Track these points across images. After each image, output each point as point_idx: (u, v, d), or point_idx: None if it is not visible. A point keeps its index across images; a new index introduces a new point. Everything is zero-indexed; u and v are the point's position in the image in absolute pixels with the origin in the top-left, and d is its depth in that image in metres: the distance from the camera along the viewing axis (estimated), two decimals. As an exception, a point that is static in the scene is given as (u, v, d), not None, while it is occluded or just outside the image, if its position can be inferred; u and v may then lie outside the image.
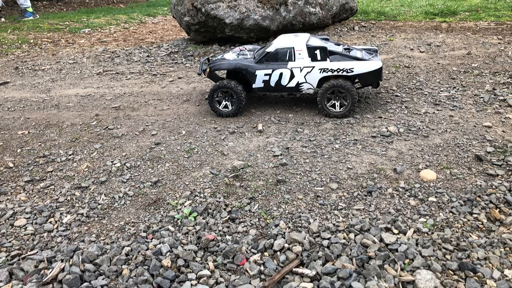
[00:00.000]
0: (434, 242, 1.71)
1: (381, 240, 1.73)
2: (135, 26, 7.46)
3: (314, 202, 2.03)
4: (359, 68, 2.90)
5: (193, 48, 4.99)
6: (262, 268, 1.59)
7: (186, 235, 1.80)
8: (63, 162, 2.56)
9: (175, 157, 2.54)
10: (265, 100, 3.36)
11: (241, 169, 2.34)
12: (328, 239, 1.74)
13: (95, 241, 1.79)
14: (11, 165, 2.55)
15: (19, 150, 2.74)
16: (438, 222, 1.85)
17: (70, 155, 2.64)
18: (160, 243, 1.73)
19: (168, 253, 1.66)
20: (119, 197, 2.15)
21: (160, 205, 2.06)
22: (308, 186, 2.16)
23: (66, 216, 1.99)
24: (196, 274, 1.55)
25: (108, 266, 1.60)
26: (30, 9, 7.99)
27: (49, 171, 2.46)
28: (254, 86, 3.01)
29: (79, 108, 3.42)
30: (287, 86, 2.97)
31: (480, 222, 1.84)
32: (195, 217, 1.92)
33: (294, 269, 1.57)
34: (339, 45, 3.22)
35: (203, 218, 1.91)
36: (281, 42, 3.05)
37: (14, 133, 3.00)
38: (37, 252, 1.74)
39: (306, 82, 2.96)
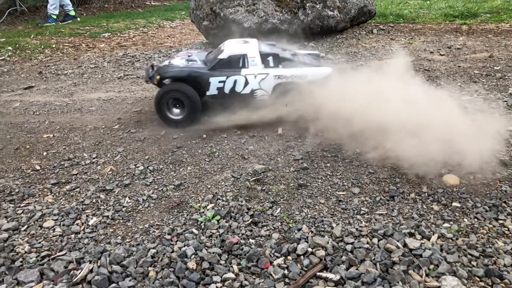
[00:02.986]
0: (459, 248, 1.70)
1: (405, 245, 1.72)
2: (154, 30, 7.56)
3: (336, 206, 2.03)
4: (312, 74, 2.93)
5: (212, 52, 5.04)
6: (286, 272, 1.60)
7: (210, 238, 1.83)
8: (87, 165, 2.61)
9: (196, 160, 2.58)
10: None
11: (262, 173, 2.35)
12: (352, 243, 1.74)
13: (121, 243, 1.83)
14: (38, 167, 2.62)
15: (44, 153, 2.81)
16: (463, 228, 1.84)
17: (94, 158, 2.69)
18: (184, 246, 1.76)
19: (193, 256, 1.69)
20: (143, 200, 2.19)
21: (183, 208, 2.09)
22: (330, 190, 2.16)
23: (92, 218, 2.04)
24: (221, 277, 1.57)
25: (135, 268, 1.64)
26: (55, 16, 8.18)
27: (74, 174, 2.52)
28: (208, 93, 2.95)
29: (102, 112, 3.49)
30: (242, 93, 2.94)
31: (506, 228, 1.82)
32: (218, 220, 1.94)
33: (318, 273, 1.58)
34: (285, 50, 3.24)
35: (226, 222, 1.93)
36: (233, 48, 3.02)
37: (39, 136, 3.08)
38: (65, 253, 1.78)
39: (261, 88, 2.94)
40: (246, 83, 2.93)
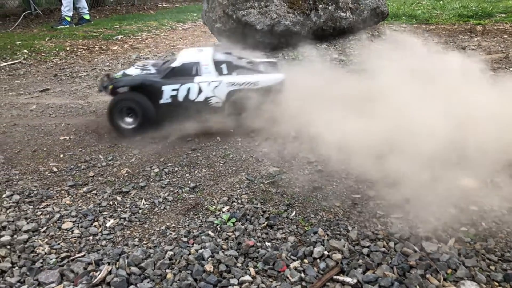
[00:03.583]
0: (477, 253, 1.68)
1: (422, 249, 1.71)
2: (166, 33, 7.63)
3: (351, 209, 2.03)
4: (264, 80, 2.97)
5: (224, 54, 5.06)
6: (302, 275, 1.60)
7: (226, 240, 1.84)
8: (103, 167, 2.65)
9: (211, 163, 2.60)
10: (295, 107, 3.38)
11: (276, 176, 2.36)
12: (368, 247, 1.74)
13: (138, 245, 1.85)
14: (55, 169, 2.66)
15: (61, 155, 2.85)
16: (481, 232, 1.82)
17: (109, 160, 2.73)
18: (201, 248, 1.78)
19: (210, 258, 1.70)
20: (159, 202, 2.21)
21: (199, 210, 2.11)
22: (345, 193, 2.16)
23: (109, 220, 2.07)
24: (238, 280, 1.58)
25: (153, 270, 1.66)
26: (68, 18, 8.29)
27: (90, 176, 2.55)
28: (161, 101, 2.97)
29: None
30: (196, 100, 2.96)
31: (525, 233, 1.80)
32: (233, 223, 1.96)
33: (334, 277, 1.58)
34: (242, 58, 3.28)
35: (241, 224, 1.94)
36: (186, 57, 3.07)
37: (56, 138, 3.13)
38: (84, 255, 1.81)
39: (215, 96, 2.97)
40: (200, 90, 2.97)
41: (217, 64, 3.02)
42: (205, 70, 2.99)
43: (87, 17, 8.43)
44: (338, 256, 1.69)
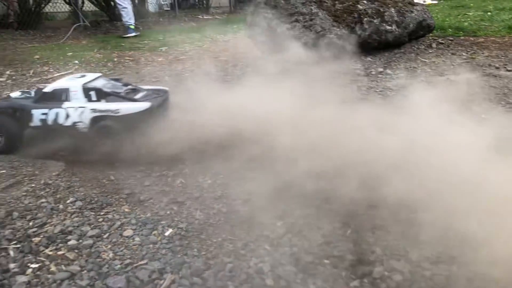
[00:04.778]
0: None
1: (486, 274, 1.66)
2: (208, 44, 7.80)
3: (409, 229, 2.00)
4: (125, 108, 3.04)
5: (267, 67, 5.13)
6: (364, 294, 1.60)
7: (283, 255, 1.86)
8: (158, 177, 2.74)
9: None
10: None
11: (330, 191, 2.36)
12: (429, 269, 1.71)
13: (198, 256, 1.90)
14: (112, 178, 2.78)
15: (117, 164, 2.97)
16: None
17: (163, 170, 2.82)
18: (260, 262, 1.81)
19: (269, 273, 1.73)
20: (213, 213, 2.27)
21: (253, 223, 2.14)
22: (403, 212, 2.14)
23: (167, 230, 2.14)
24: (300, 296, 1.60)
25: (214, 281, 1.70)
26: (132, 26, 8.60)
27: (146, 185, 2.65)
28: (31, 124, 3.12)
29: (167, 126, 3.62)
30: (64, 125, 3.09)
31: None
32: (290, 238, 1.98)
33: (397, 298, 1.57)
34: (127, 85, 3.41)
35: (298, 240, 1.96)
36: (58, 83, 3.27)
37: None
38: (147, 263, 1.88)
39: (81, 121, 3.08)
40: (67, 115, 3.10)
41: (87, 90, 3.15)
42: (74, 96, 3.14)
43: (132, 27, 8.76)
44: (398, 277, 1.67)
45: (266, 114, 3.09)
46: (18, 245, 2.05)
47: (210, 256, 1.89)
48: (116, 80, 3.57)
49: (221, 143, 2.95)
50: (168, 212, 2.31)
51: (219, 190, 2.50)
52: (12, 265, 1.89)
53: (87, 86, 3.20)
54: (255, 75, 4.85)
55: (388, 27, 4.98)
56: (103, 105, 3.11)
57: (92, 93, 3.15)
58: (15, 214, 2.35)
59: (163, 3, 14.76)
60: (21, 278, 1.80)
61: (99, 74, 3.53)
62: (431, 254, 1.79)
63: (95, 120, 3.11)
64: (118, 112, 3.06)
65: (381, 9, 5.09)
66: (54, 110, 3.13)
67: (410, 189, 2.09)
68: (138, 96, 3.28)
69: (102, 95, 3.16)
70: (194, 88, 4.65)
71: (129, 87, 3.45)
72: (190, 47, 7.54)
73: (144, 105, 3.11)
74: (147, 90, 3.47)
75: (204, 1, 13.84)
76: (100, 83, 3.30)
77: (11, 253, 1.99)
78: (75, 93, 3.15)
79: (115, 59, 6.76)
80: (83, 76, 3.41)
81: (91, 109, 3.10)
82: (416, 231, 1.91)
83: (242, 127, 2.97)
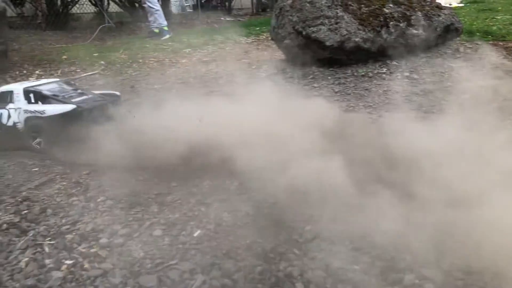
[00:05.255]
0: None
1: (521, 285, 1.63)
2: (231, 47, 7.85)
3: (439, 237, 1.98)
4: (50, 110, 3.25)
5: (292, 70, 5.13)
6: (395, 302, 1.59)
7: (312, 260, 1.86)
8: (185, 178, 2.77)
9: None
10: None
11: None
12: (462, 279, 1.69)
13: (227, 257, 1.92)
14: (140, 178, 2.83)
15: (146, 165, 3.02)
16: None
17: (190, 171, 2.85)
18: (289, 266, 1.81)
19: (299, 277, 1.73)
20: (241, 215, 2.28)
21: (281, 226, 2.15)
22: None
23: (196, 231, 2.17)
24: (330, 301, 1.60)
25: (244, 284, 1.72)
26: (166, 28, 8.74)
27: (173, 186, 2.69)
28: None
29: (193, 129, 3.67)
30: (7, 124, 3.38)
31: None
32: (318, 243, 1.98)
33: (429, 307, 1.55)
34: (77, 90, 3.68)
35: (326, 244, 1.96)
36: (6, 86, 3.63)
37: (139, 148, 3.32)
38: (177, 263, 1.91)
39: (19, 122, 3.34)
40: (9, 116, 3.40)
41: (27, 93, 3.42)
42: (16, 98, 3.42)
43: (156, 30, 8.87)
44: (430, 286, 1.65)
45: (293, 116, 3.10)
46: (53, 242, 2.12)
47: (239, 258, 1.91)
48: (70, 84, 3.90)
49: (246, 145, 2.97)
50: (196, 213, 2.34)
51: (246, 193, 2.51)
52: (47, 261, 1.95)
53: (27, 89, 3.48)
54: (280, 77, 4.88)
55: (415, 31, 4.91)
56: (34, 107, 3.38)
57: (31, 95, 3.43)
58: (49, 211, 2.42)
59: (185, 4, 14.93)
60: (57, 274, 1.85)
61: (56, 79, 3.93)
62: (463, 264, 1.77)
63: (26, 120, 3.39)
64: (44, 113, 3.32)
65: (408, 13, 5.02)
66: (0, 111, 3.47)
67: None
68: (77, 99, 3.49)
69: (39, 97, 3.43)
70: (219, 90, 4.70)
71: (78, 91, 3.70)
72: (213, 49, 7.60)
73: (68, 107, 3.31)
74: (94, 94, 3.71)
75: (226, 3, 13.91)
76: (47, 87, 3.58)
77: (46, 249, 2.06)
78: (17, 95, 3.45)
79: (140, 60, 6.87)
80: (38, 80, 3.85)
81: (24, 110, 3.38)
82: (446, 239, 1.89)
83: (269, 128, 2.98)
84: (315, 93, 4.31)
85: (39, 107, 3.35)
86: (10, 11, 10.10)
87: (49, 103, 3.39)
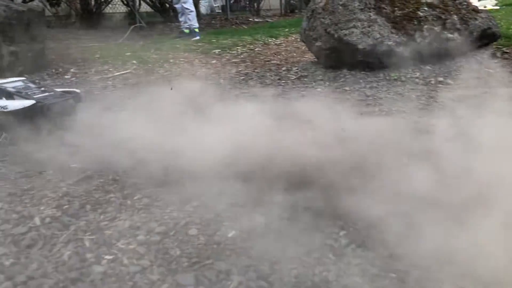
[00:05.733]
0: None
1: None
2: (260, 48, 7.89)
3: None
4: (12, 105, 3.41)
5: (323, 72, 5.12)
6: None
7: (349, 265, 1.86)
8: (218, 178, 2.81)
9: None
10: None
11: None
12: None
13: (262, 259, 1.94)
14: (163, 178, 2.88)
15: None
16: None
17: (224, 171, 2.88)
18: (325, 271, 1.82)
19: (335, 282, 1.73)
20: (276, 218, 2.30)
21: (315, 231, 2.15)
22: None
23: (231, 232, 2.19)
24: (368, 308, 1.59)
25: (280, 287, 1.73)
26: (197, 29, 8.92)
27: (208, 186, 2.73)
28: None
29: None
30: None
31: None
32: (353, 249, 1.97)
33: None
34: (41, 88, 3.88)
35: (362, 251, 1.95)
36: None
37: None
38: (212, 262, 1.94)
39: None
40: None
41: None
42: None
43: (187, 31, 9.00)
44: (470, 296, 1.63)
45: (324, 120, 3.11)
46: (93, 237, 2.19)
47: (274, 261, 1.93)
48: (35, 83, 4.13)
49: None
50: (230, 214, 2.37)
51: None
52: (88, 255, 2.02)
53: None
54: (310, 79, 4.88)
55: (450, 35, 4.82)
56: None
57: None
58: (88, 207, 2.50)
59: (214, 5, 15.09)
60: (98, 268, 1.92)
61: (23, 78, 4.13)
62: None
63: None
64: (7, 108, 3.49)
65: (443, 16, 4.93)
66: None
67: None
68: (38, 96, 3.70)
69: (4, 94, 3.62)
70: (250, 91, 4.74)
71: (41, 89, 3.93)
72: (242, 50, 7.67)
73: (28, 102, 3.51)
74: (55, 92, 3.93)
75: (255, 4, 13.97)
76: (12, 84, 3.80)
77: (87, 243, 2.13)
78: None
79: (171, 60, 6.99)
80: (5, 79, 4.00)
81: None
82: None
83: (303, 132, 2.99)
84: (347, 96, 4.29)
85: (3, 102, 3.57)
86: (47, 11, 10.44)
87: (13, 99, 3.63)
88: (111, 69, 6.68)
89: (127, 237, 2.19)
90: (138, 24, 10.52)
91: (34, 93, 3.80)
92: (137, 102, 4.61)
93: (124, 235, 2.20)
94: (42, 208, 2.48)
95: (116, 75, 6.31)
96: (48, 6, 11.03)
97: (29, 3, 9.55)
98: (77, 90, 4.09)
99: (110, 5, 11.93)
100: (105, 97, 4.95)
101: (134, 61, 7.07)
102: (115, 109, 4.15)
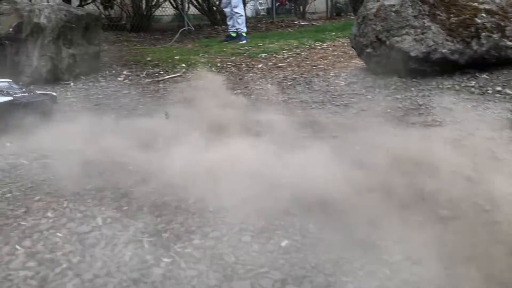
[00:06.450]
0: None
1: None
2: (306, 52, 7.88)
3: None
4: None
5: (372, 79, 5.05)
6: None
7: (406, 282, 1.84)
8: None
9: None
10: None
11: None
12: None
13: (315, 270, 1.96)
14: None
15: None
16: None
17: (273, 179, 2.92)
18: (380, 285, 1.81)
19: (391, 299, 1.72)
20: (326, 229, 2.30)
21: (369, 245, 2.14)
22: None
23: (284, 241, 2.23)
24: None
25: (335, 300, 1.74)
26: (245, 33, 9.09)
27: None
28: None
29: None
30: None
31: None
32: (408, 265, 1.95)
33: None
34: (22, 88, 4.15)
35: (416, 267, 1.92)
36: None
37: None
38: (266, 271, 1.98)
39: None
40: None
41: None
42: None
43: (234, 34, 9.13)
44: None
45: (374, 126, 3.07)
46: (151, 239, 2.29)
47: (328, 273, 1.94)
48: (18, 84, 4.38)
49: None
50: (282, 223, 2.40)
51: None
52: (148, 257, 2.12)
53: None
54: (360, 86, 4.82)
55: (509, 43, 4.60)
56: None
57: None
58: (145, 209, 2.62)
59: (260, 8, 15.21)
60: (157, 270, 2.01)
61: (8, 80, 4.35)
62: None
63: None
64: None
65: (502, 23, 4.71)
66: None
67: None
68: (18, 95, 3.99)
69: None
70: (299, 97, 4.76)
71: (22, 90, 4.22)
72: (288, 54, 7.69)
73: (6, 98, 3.82)
74: (34, 93, 4.27)
75: (301, 7, 13.94)
76: None
77: (146, 245, 2.23)
78: None
79: (219, 64, 7.13)
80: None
81: None
82: None
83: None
84: (399, 104, 4.21)
85: None
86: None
87: None
88: (161, 72, 6.91)
89: (183, 240, 2.27)
90: (186, 28, 10.81)
91: (15, 92, 4.21)
92: (185, 108, 4.76)
93: (180, 239, 2.29)
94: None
95: (167, 78, 6.52)
96: (102, 9, 11.55)
97: (87, 8, 10.06)
98: (53, 93, 4.61)
99: (159, 8, 12.32)
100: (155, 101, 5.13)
101: (183, 64, 7.26)
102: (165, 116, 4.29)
